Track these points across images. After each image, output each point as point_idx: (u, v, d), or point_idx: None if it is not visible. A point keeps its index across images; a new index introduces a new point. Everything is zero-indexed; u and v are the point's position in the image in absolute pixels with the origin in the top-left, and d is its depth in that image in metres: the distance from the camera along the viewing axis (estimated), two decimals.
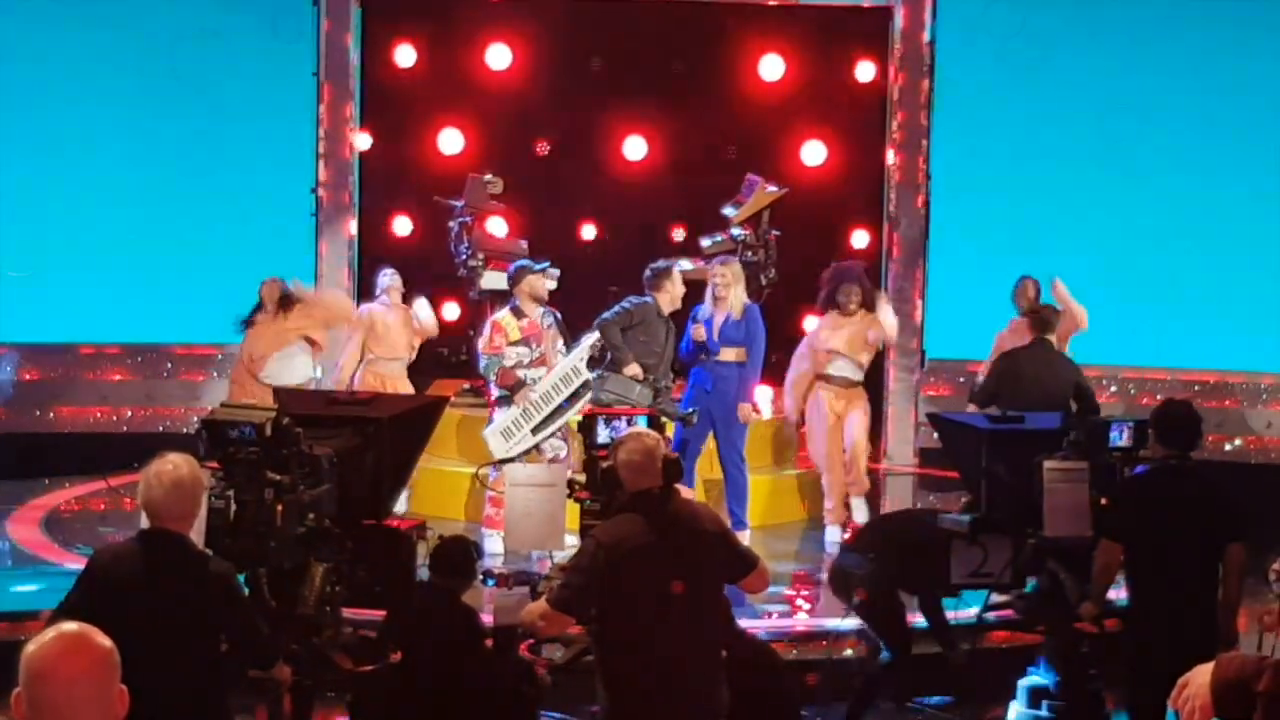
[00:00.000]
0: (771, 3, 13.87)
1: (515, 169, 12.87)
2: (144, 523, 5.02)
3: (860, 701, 7.61)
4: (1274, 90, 12.86)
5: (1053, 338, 9.74)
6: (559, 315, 10.35)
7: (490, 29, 13.77)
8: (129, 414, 13.24)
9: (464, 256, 11.59)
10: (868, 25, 13.77)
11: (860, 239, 13.85)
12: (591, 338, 10.05)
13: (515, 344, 10.08)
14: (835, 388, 10.76)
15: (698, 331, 10.16)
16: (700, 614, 5.33)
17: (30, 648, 2.81)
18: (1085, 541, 6.71)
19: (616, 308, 10.07)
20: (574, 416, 9.52)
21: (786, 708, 6.73)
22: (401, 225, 13.86)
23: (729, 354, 10.15)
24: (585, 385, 9.88)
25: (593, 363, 10.01)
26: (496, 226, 12.57)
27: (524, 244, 11.88)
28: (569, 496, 6.72)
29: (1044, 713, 7.01)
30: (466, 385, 11.76)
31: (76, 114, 12.89)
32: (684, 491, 5.97)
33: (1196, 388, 12.78)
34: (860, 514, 10.76)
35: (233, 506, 5.26)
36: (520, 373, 10.01)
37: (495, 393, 10.14)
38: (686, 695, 5.32)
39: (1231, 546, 6.58)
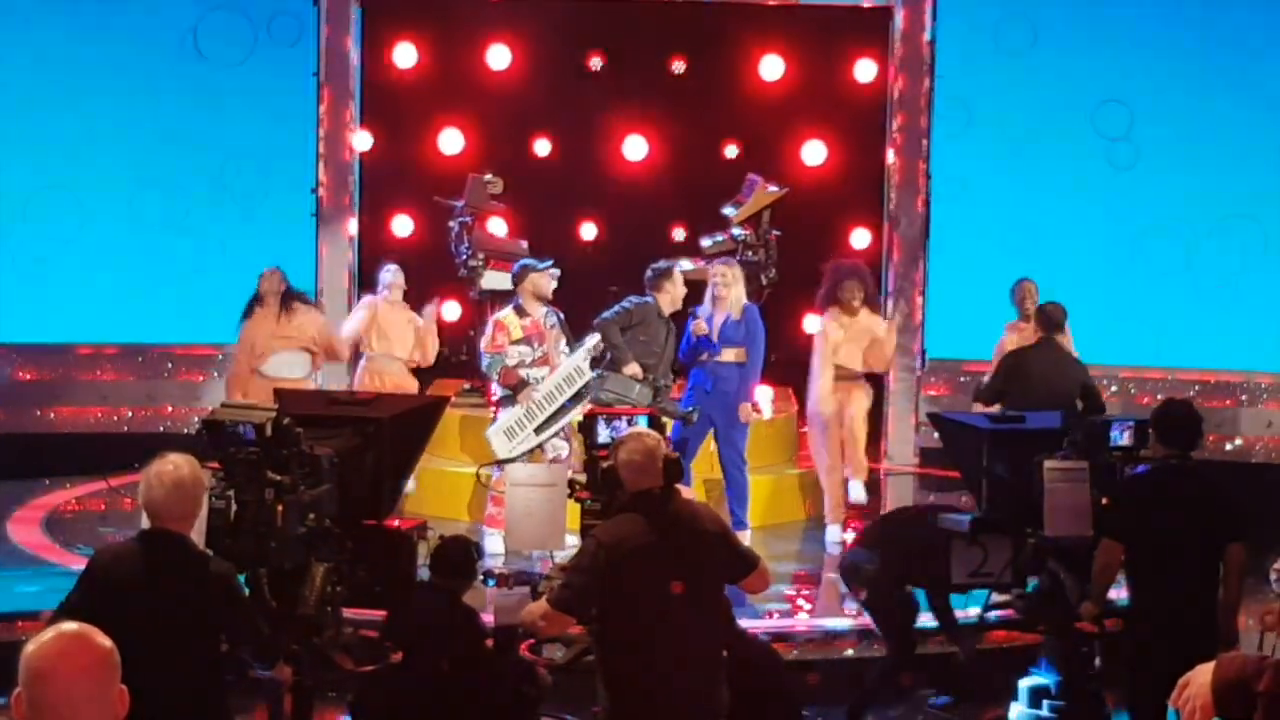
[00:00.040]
0: (771, 3, 13.85)
1: (515, 169, 12.87)
2: (144, 523, 5.03)
3: (861, 701, 7.62)
4: (1274, 90, 12.86)
5: (1060, 337, 9.73)
6: (562, 315, 10.35)
7: (490, 29, 13.75)
8: (129, 414, 13.22)
9: (464, 256, 11.60)
10: (868, 25, 13.75)
11: (860, 239, 13.83)
12: (594, 338, 10.05)
13: (518, 343, 10.07)
14: (838, 380, 10.69)
15: (699, 326, 10.14)
16: (701, 614, 5.33)
17: (30, 648, 2.80)
18: (1086, 541, 6.71)
19: (616, 307, 10.06)
20: (577, 416, 9.52)
21: (787, 708, 6.73)
22: (402, 225, 13.83)
23: (729, 354, 10.14)
24: (588, 385, 9.88)
25: (593, 362, 10.01)
26: (497, 226, 12.58)
27: (524, 244, 11.89)
28: (570, 496, 6.72)
29: (1044, 713, 7.01)
30: (467, 385, 11.76)
31: (76, 114, 12.88)
32: (684, 491, 5.97)
33: (1196, 388, 12.77)
34: (857, 493, 10.68)
35: (233, 506, 5.27)
36: (523, 372, 10.00)
37: (498, 392, 10.13)
38: (687, 695, 5.32)
39: (1232, 546, 6.59)
